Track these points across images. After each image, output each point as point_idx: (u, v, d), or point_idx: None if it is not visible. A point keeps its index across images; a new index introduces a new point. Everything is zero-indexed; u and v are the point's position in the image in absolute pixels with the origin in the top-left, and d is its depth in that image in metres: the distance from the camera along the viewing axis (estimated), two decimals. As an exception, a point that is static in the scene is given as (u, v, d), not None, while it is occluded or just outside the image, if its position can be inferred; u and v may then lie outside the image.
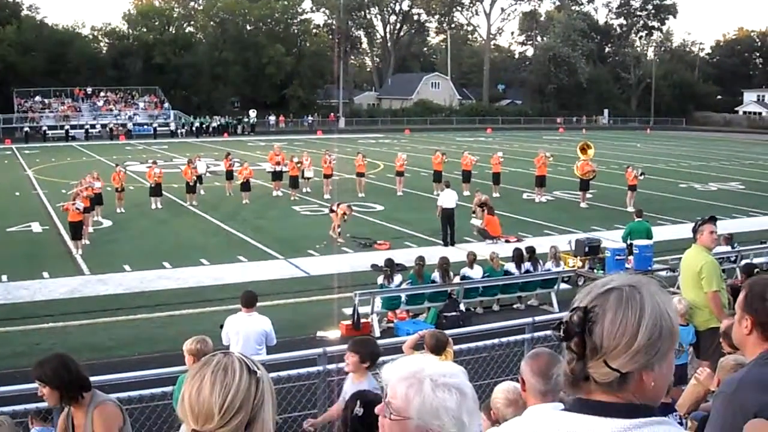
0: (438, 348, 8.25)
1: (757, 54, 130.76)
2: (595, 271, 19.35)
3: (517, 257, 18.41)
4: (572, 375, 2.11)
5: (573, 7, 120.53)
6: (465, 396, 2.16)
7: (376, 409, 2.21)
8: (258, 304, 11.45)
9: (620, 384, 2.05)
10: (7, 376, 11.91)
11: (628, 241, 20.14)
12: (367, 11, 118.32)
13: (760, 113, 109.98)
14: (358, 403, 4.44)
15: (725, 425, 2.92)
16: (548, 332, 10.20)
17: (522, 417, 2.35)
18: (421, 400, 2.11)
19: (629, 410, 2.05)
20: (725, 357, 5.60)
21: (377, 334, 15.84)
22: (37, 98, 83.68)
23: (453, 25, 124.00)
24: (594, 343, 2.05)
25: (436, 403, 2.12)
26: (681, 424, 5.83)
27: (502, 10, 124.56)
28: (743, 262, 17.62)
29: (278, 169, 36.28)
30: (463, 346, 9.59)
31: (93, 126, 79.34)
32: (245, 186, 33.56)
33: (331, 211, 26.16)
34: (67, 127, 77.16)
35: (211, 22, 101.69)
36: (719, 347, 6.39)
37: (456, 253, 21.34)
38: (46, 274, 20.90)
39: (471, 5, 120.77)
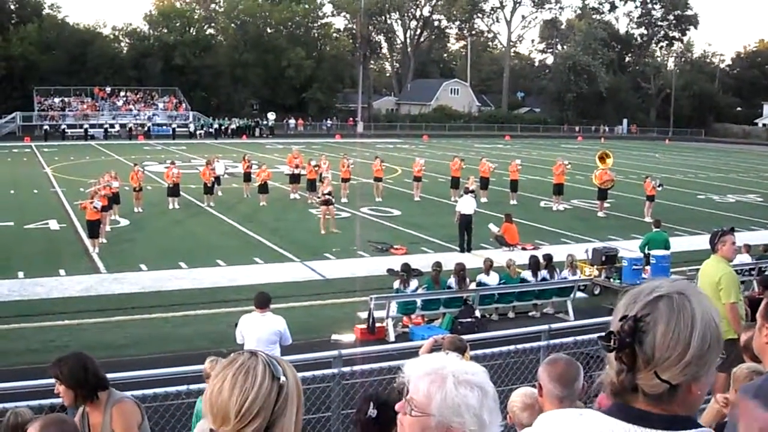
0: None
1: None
2: (612, 280, 19.34)
3: (534, 265, 18.35)
4: (620, 386, 2.05)
5: (594, 16, 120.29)
6: (486, 394, 2.13)
7: (397, 406, 2.19)
8: (273, 306, 11.46)
9: (669, 395, 2.01)
10: (21, 372, 11.93)
11: (646, 251, 20.08)
12: (388, 16, 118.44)
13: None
14: (372, 404, 4.39)
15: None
16: (564, 340, 10.15)
17: (547, 418, 2.29)
18: (443, 397, 2.08)
19: (672, 422, 2.02)
20: (738, 366, 5.55)
21: (392, 338, 15.86)
22: (57, 97, 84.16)
23: (473, 32, 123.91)
24: (645, 354, 1.99)
25: (458, 399, 2.09)
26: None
27: (523, 17, 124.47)
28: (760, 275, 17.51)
29: (296, 172, 36.33)
30: (479, 352, 9.55)
31: (112, 125, 79.63)
32: (263, 188, 33.58)
33: (324, 203, 27.01)
34: (86, 126, 77.39)
35: (232, 25, 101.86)
36: (737, 358, 6.33)
37: (472, 260, 21.28)
38: (62, 272, 21.00)
39: (492, 12, 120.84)
